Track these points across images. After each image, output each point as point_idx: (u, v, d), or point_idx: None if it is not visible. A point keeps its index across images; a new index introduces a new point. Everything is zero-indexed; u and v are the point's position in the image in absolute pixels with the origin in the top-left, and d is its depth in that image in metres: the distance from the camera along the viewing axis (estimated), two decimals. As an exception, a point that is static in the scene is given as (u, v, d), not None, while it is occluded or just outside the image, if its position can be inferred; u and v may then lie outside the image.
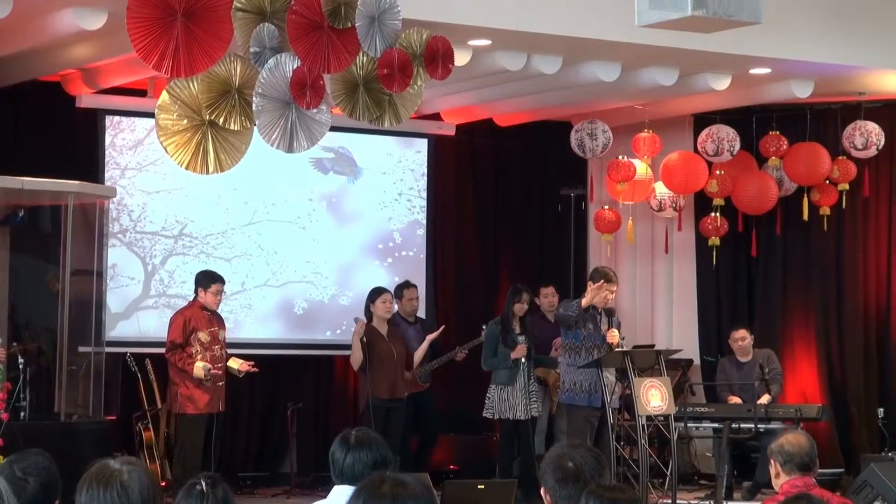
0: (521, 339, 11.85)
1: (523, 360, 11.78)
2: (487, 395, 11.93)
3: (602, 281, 11.02)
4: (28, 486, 4.43)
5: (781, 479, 6.07)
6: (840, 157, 13.23)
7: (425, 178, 13.74)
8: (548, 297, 13.14)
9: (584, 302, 11.00)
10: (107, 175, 12.43)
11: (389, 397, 11.76)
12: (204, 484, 4.13)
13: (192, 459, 10.97)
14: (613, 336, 11.01)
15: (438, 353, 12.72)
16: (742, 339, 12.70)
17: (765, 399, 12.25)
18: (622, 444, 11.02)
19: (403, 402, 11.99)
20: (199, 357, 11.05)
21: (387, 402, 11.71)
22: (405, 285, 12.85)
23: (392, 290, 12.38)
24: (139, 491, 3.52)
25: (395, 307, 12.56)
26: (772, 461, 6.13)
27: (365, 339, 11.66)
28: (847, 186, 13.31)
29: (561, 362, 11.41)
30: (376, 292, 12.02)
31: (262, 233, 13.02)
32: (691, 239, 14.20)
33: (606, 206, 13.98)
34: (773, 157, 13.40)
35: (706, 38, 9.46)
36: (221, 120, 8.79)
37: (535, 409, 11.91)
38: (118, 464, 3.57)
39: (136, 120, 12.49)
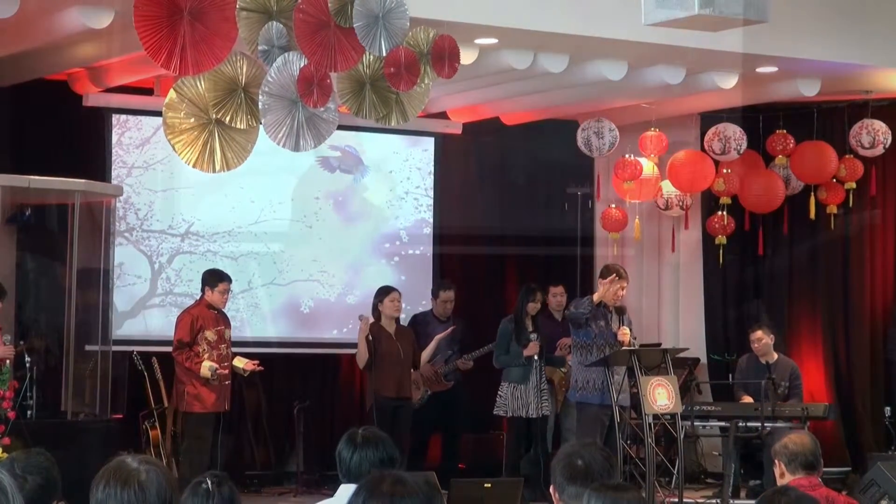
0: (533, 337, 11.87)
1: (535, 357, 11.81)
2: (499, 392, 11.94)
3: (614, 275, 11.02)
4: (26, 485, 4.43)
5: (786, 479, 6.08)
6: (847, 156, 13.22)
7: (432, 176, 13.74)
8: (556, 297, 13.11)
9: (596, 297, 11.00)
10: (113, 174, 12.45)
11: (396, 396, 11.74)
12: (210, 482, 4.13)
13: (199, 458, 10.97)
14: (625, 334, 10.99)
15: (465, 349, 12.77)
16: (759, 339, 12.60)
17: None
18: (629, 442, 11.02)
19: (411, 400, 12.00)
20: (205, 356, 11.06)
21: (393, 400, 11.69)
22: (442, 286, 12.92)
23: (398, 290, 12.32)
24: (156, 492, 3.51)
25: (431, 306, 12.88)
26: (776, 461, 6.14)
27: (371, 337, 11.64)
28: (854, 185, 13.30)
29: (572, 361, 11.42)
30: (384, 291, 11.97)
31: (268, 231, 13.02)
32: (698, 237, 14.19)
33: (613, 205, 13.97)
34: (780, 156, 13.39)
35: (713, 36, 9.45)
36: (228, 119, 8.79)
37: (547, 407, 11.91)
38: (136, 462, 3.56)
39: (143, 118, 12.51)
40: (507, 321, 12.13)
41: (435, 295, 12.89)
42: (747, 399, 12.38)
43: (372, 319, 11.77)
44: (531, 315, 11.98)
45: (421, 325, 12.75)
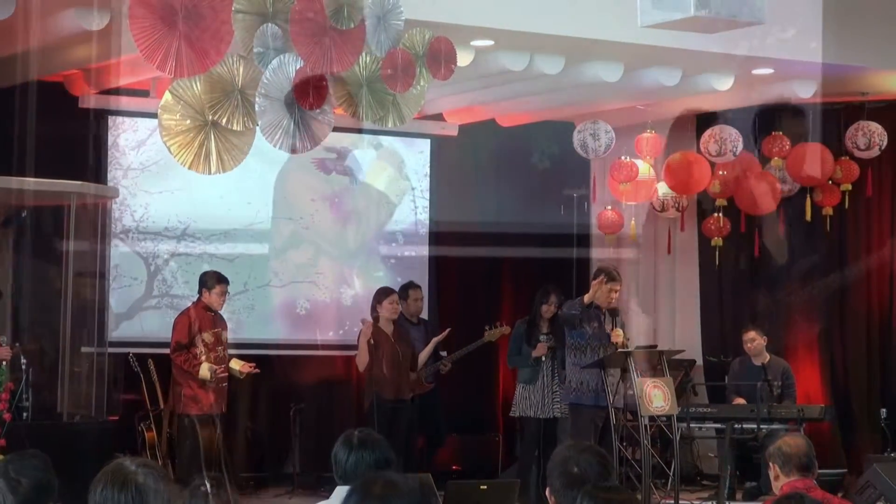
0: (543, 338, 11.90)
1: (544, 358, 11.84)
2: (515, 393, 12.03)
3: (602, 276, 11.07)
4: (20, 487, 4.44)
5: (781, 482, 6.08)
6: (843, 158, 13.22)
7: (428, 178, 13.75)
8: None
9: (587, 298, 11.06)
10: (109, 175, 12.46)
11: (395, 398, 11.77)
12: (208, 485, 4.14)
13: (195, 460, 10.97)
14: (618, 335, 11.03)
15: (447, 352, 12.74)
16: (751, 340, 12.61)
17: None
18: (625, 444, 11.02)
19: (408, 402, 12.00)
20: (202, 358, 11.06)
21: (392, 402, 11.72)
22: (410, 286, 12.85)
23: (397, 291, 12.34)
24: (154, 495, 3.52)
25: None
26: (770, 464, 6.15)
27: (372, 340, 11.65)
28: (850, 187, 13.29)
29: (567, 362, 11.44)
30: (383, 293, 11.98)
31: (264, 233, 13.03)
32: (694, 239, 14.19)
33: (609, 207, 13.97)
34: (776, 158, 13.38)
35: (709, 38, 9.45)
36: (224, 120, 8.79)
37: (559, 409, 11.88)
38: (134, 465, 3.57)
39: (139, 120, 12.51)
40: (520, 322, 12.20)
41: (403, 296, 12.77)
42: (740, 400, 12.40)
43: (372, 322, 11.78)
44: (545, 317, 12.00)
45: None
